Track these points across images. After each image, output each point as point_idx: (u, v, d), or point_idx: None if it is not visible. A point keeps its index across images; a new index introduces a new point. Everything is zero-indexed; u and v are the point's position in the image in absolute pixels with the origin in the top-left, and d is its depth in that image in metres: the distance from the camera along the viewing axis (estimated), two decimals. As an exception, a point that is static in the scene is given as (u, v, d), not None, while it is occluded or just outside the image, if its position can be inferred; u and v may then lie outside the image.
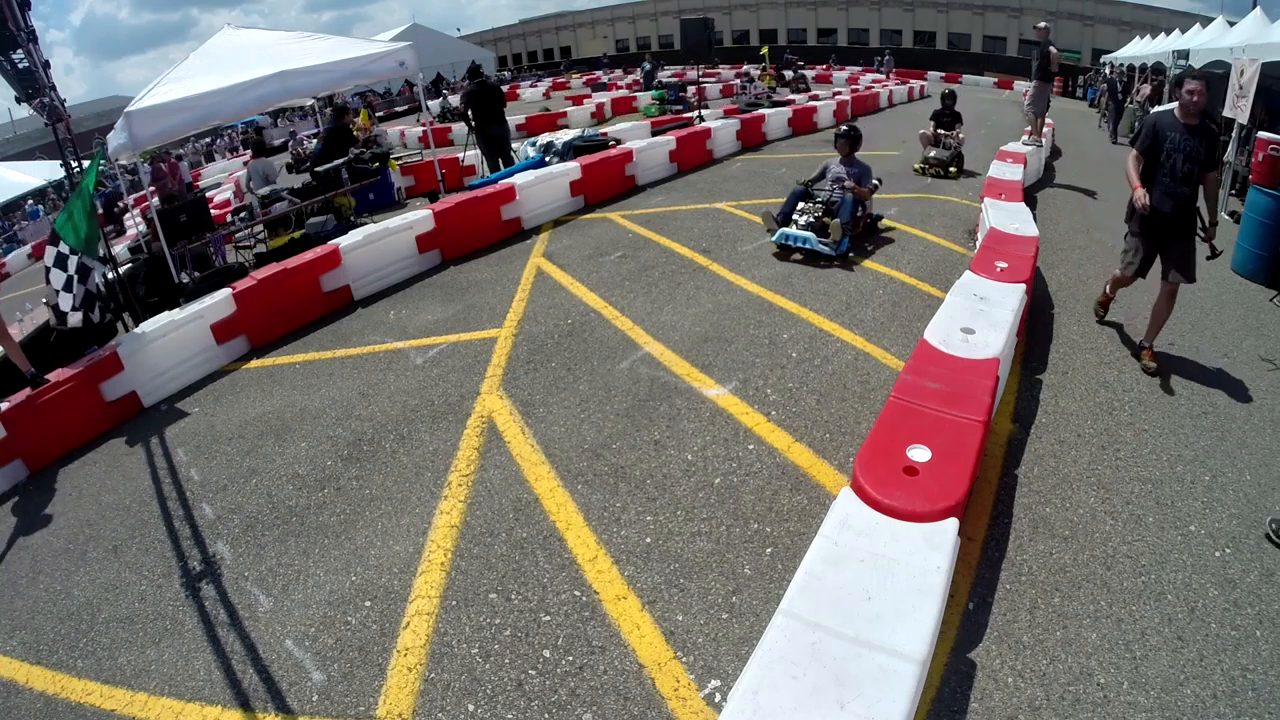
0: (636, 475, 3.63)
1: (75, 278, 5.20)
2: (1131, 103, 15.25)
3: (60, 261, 5.18)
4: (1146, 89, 14.95)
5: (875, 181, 7.14)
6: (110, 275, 6.28)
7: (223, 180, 16.88)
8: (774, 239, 6.64)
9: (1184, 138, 4.20)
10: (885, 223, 7.41)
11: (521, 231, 8.06)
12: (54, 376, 4.75)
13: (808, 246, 6.43)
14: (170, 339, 5.27)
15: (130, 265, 7.37)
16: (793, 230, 6.56)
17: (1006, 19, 36.25)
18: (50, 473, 4.53)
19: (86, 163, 6.78)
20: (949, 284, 4.58)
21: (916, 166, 10.08)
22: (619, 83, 29.21)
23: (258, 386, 5.17)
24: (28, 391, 4.59)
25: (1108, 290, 5.15)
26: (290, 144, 15.44)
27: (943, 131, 10.36)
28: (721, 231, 7.45)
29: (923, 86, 24.75)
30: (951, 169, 9.90)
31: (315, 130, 14.17)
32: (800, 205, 6.82)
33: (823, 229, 6.39)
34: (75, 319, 5.18)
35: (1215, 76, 10.03)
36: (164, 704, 2.67)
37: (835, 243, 6.28)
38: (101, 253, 5.96)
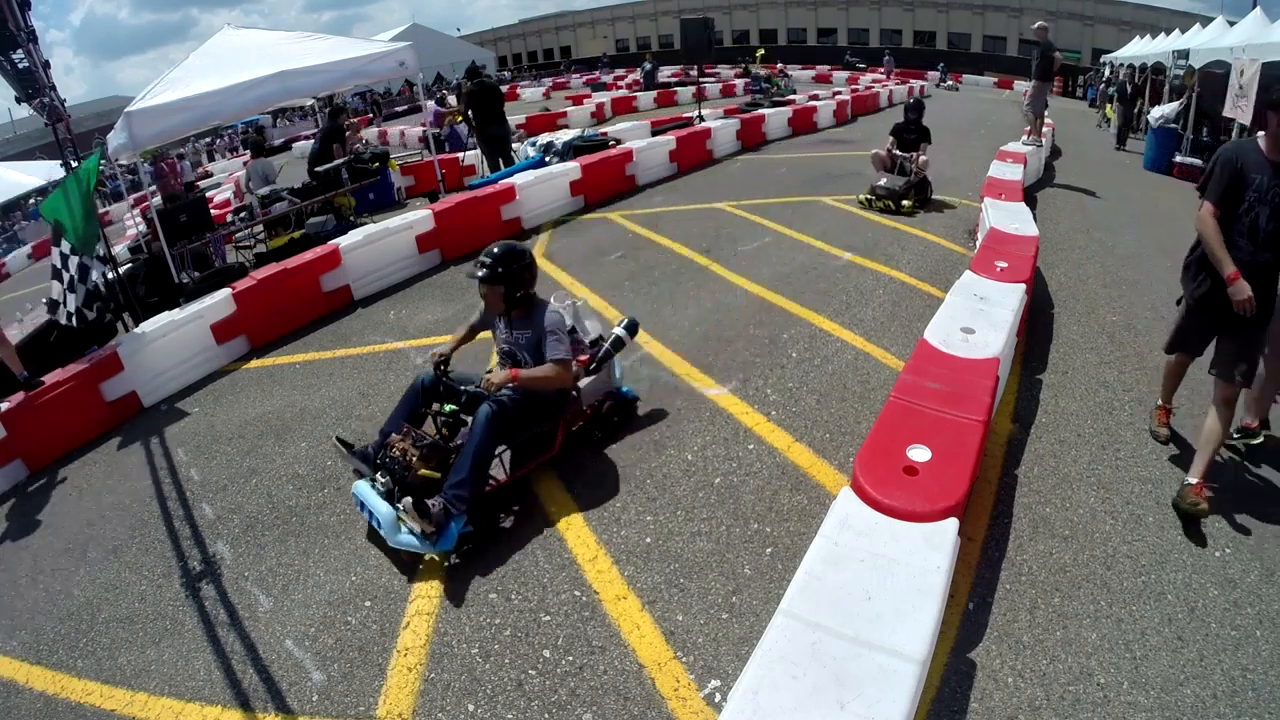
0: (636, 475, 3.63)
1: (76, 278, 5.21)
2: (1147, 112, 13.46)
3: (63, 262, 5.19)
4: (1164, 97, 13.32)
5: (597, 339, 3.94)
6: (110, 275, 6.28)
7: (223, 180, 16.88)
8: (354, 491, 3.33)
9: (1274, 183, 3.00)
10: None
11: (522, 231, 8.06)
12: (54, 377, 4.75)
13: (381, 532, 3.13)
14: (170, 339, 5.27)
15: (130, 265, 7.37)
16: (371, 492, 3.19)
17: (1006, 19, 36.27)
18: (50, 473, 4.53)
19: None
20: (949, 284, 4.57)
21: (861, 198, 8.11)
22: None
23: (258, 386, 5.17)
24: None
25: (1162, 401, 3.84)
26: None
27: (900, 153, 8.32)
28: (721, 231, 7.45)
29: (923, 86, 24.74)
30: (906, 202, 7.83)
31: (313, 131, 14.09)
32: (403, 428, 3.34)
33: (415, 495, 2.99)
34: (76, 317, 5.18)
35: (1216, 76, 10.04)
36: (164, 704, 2.67)
37: (430, 534, 2.97)
38: (101, 252, 5.96)
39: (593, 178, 8.96)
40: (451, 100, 16.93)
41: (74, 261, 5.23)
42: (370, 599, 3.01)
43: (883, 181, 7.99)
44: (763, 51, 27.23)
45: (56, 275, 5.22)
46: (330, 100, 11.56)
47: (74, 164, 6.00)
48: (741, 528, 3.21)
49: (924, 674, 1.94)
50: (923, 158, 8.15)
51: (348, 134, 10.32)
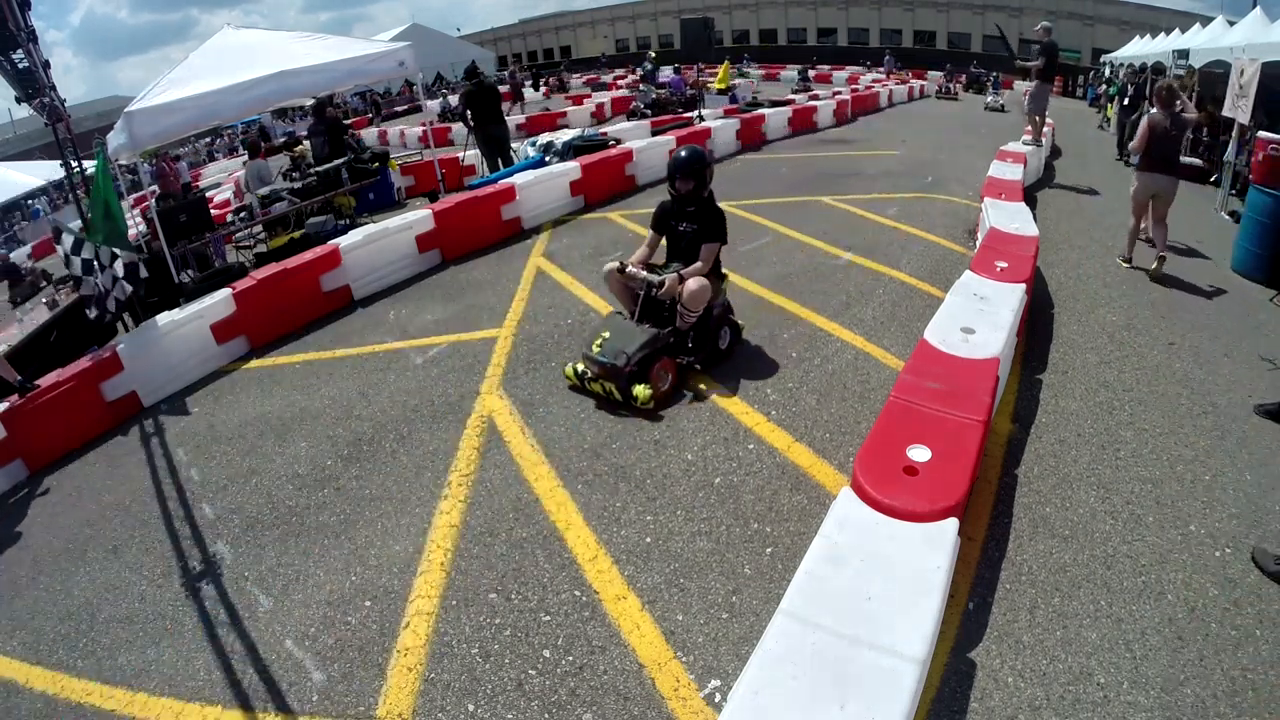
0: (636, 475, 3.63)
1: (107, 268, 5.26)
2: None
3: (77, 248, 5.24)
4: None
5: None
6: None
7: (222, 180, 16.89)
8: None
9: None
10: None
11: (521, 231, 8.06)
12: (54, 377, 4.76)
13: None
14: (170, 339, 5.27)
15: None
16: None
17: (1006, 19, 36.25)
18: (50, 473, 4.53)
19: (89, 164, 6.80)
20: (949, 284, 4.57)
21: (569, 371, 4.39)
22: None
23: (258, 386, 5.17)
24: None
25: None
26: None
27: (652, 276, 4.28)
28: (721, 231, 7.44)
29: (922, 86, 24.72)
30: (641, 389, 4.01)
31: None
32: None
33: None
34: (110, 303, 5.26)
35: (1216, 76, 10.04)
36: (164, 704, 2.67)
37: None
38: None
39: (593, 178, 8.95)
40: (453, 99, 17.19)
41: (89, 247, 5.27)
42: (370, 599, 3.01)
43: (597, 347, 4.02)
44: (655, 55, 27.10)
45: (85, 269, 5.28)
46: (321, 102, 11.55)
47: (74, 164, 6.02)
48: (741, 528, 3.21)
49: (924, 674, 1.94)
50: (692, 284, 4.07)
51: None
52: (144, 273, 5.69)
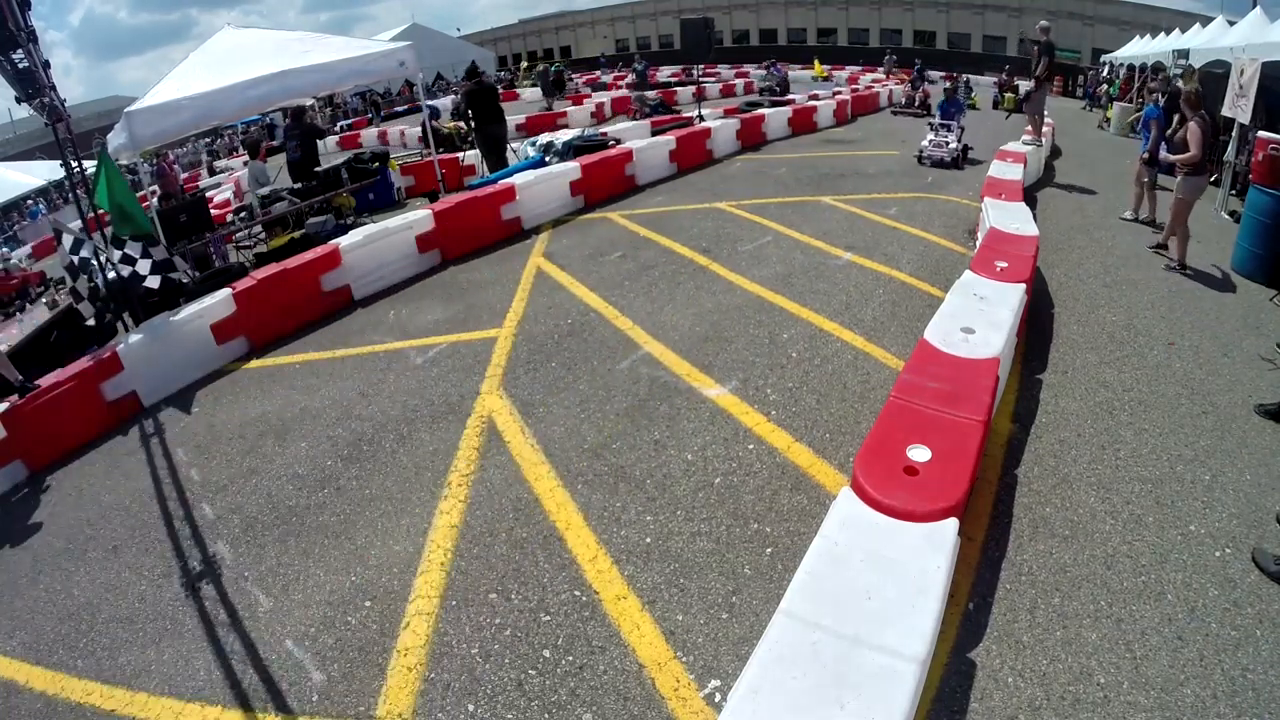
0: (636, 475, 3.63)
1: (138, 258, 5.35)
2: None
3: (76, 247, 5.29)
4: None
5: None
6: (112, 274, 6.29)
7: (223, 180, 16.89)
8: None
9: None
10: None
11: (521, 231, 8.06)
12: (54, 377, 4.76)
13: None
14: (170, 339, 5.27)
15: (130, 265, 7.36)
16: None
17: (1006, 19, 36.22)
18: (50, 473, 4.53)
19: (89, 164, 6.79)
20: (949, 284, 4.57)
21: None
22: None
23: (258, 386, 5.17)
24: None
25: None
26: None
27: None
28: (721, 231, 7.45)
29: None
30: None
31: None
32: None
33: None
34: (155, 281, 5.48)
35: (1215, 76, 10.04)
36: (164, 704, 2.68)
37: None
38: (100, 246, 6.00)
39: (593, 178, 8.95)
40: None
41: (83, 255, 5.30)
42: (370, 599, 3.01)
43: None
44: (527, 64, 27.27)
45: (82, 267, 5.32)
46: (301, 107, 11.58)
47: (74, 164, 6.02)
48: (741, 528, 3.21)
49: (924, 674, 1.94)
50: None
51: None
52: (180, 265, 5.78)
